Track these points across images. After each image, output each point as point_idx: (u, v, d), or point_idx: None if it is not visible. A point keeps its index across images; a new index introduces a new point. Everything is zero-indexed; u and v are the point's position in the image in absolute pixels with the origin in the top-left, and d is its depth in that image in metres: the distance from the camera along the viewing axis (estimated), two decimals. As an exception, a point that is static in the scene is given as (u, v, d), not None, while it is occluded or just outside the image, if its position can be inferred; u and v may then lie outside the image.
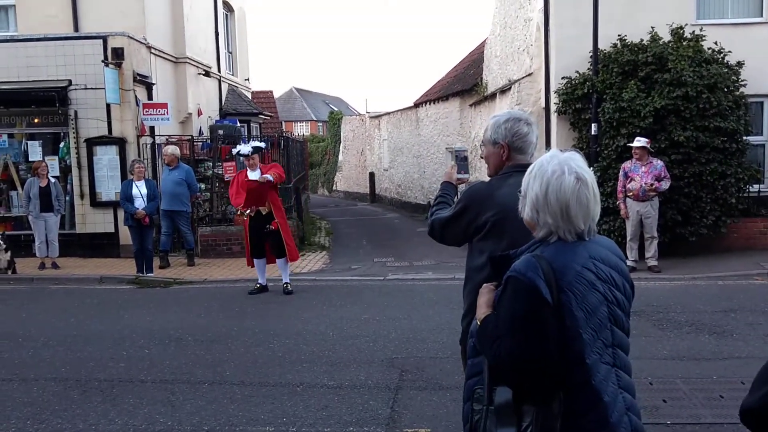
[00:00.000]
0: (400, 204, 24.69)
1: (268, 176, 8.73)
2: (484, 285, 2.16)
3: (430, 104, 21.34)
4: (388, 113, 26.67)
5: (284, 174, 9.76)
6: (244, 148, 9.19)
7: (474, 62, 19.84)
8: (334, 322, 7.52)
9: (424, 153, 22.04)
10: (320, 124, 55.60)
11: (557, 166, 2.02)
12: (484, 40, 18.61)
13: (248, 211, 8.90)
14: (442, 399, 5.16)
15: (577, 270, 1.95)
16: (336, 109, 44.84)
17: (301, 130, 53.52)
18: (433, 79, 25.06)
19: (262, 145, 9.65)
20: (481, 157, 3.14)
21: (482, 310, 2.07)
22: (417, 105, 22.82)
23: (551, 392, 1.90)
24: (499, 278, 2.10)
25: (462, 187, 3.36)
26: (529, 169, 2.10)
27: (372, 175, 28.60)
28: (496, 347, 1.93)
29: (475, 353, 2.13)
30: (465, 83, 18.93)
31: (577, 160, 2.05)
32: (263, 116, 20.80)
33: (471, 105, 17.44)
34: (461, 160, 3.31)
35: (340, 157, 33.91)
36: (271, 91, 27.63)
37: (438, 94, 20.95)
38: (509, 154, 2.95)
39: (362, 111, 45.34)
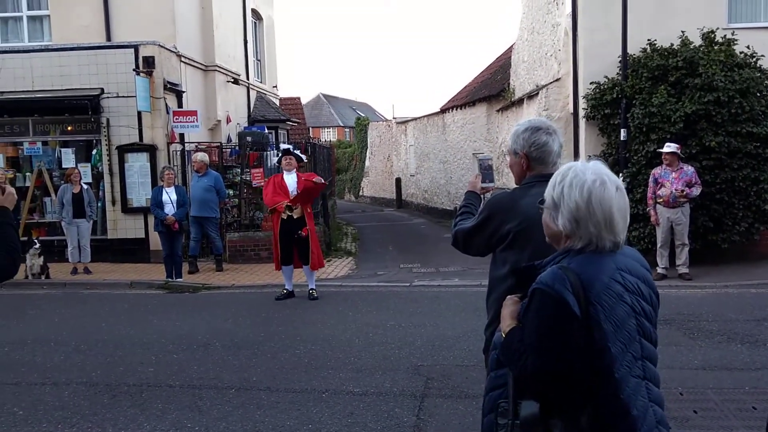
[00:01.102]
0: (426, 210, 24.66)
1: (321, 179, 9.16)
2: (509, 297, 2.14)
3: (456, 110, 21.30)
4: (415, 119, 26.67)
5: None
6: (285, 145, 9.39)
7: (501, 67, 19.75)
8: (360, 329, 7.53)
9: (451, 159, 21.99)
10: (347, 129, 55.78)
11: (595, 175, 1.99)
12: (512, 46, 18.53)
13: (295, 208, 8.92)
14: (468, 408, 5.13)
15: (605, 282, 1.92)
16: (363, 114, 45.02)
17: (329, 135, 53.79)
18: (460, 85, 25.06)
19: (303, 157, 9.89)
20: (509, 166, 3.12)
21: (507, 322, 2.05)
22: (443, 110, 22.80)
23: (579, 406, 1.88)
24: (523, 290, 2.08)
25: (487, 196, 3.35)
26: (557, 180, 2.07)
27: (398, 180, 28.62)
28: (523, 360, 1.91)
29: (498, 365, 2.11)
30: (492, 89, 18.87)
31: (608, 170, 2.03)
32: (291, 123, 20.96)
33: (498, 110, 17.37)
34: (486, 169, 3.30)
35: (367, 163, 34.00)
36: (299, 98, 27.84)
37: (465, 100, 20.90)
38: (529, 164, 2.93)
39: (389, 116, 45.40)
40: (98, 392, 5.68)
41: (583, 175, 2.00)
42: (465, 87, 23.32)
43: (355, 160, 36.14)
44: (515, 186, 3.06)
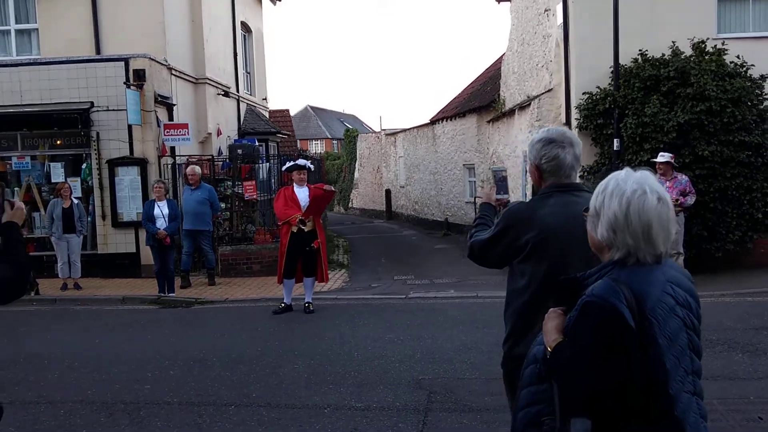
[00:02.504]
0: (416, 221, 24.66)
1: (332, 187, 9.26)
2: (552, 310, 2.08)
3: (446, 121, 21.37)
4: (404, 130, 26.73)
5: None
6: (302, 161, 9.33)
7: (491, 79, 19.85)
8: (358, 342, 7.45)
9: (441, 170, 22.03)
10: (335, 141, 55.84)
11: (636, 184, 1.94)
12: (501, 57, 18.64)
13: (308, 222, 8.84)
14: (472, 421, 5.07)
15: (658, 295, 1.88)
16: (351, 126, 45.03)
17: (317, 147, 53.80)
18: (449, 97, 25.12)
19: (312, 167, 9.91)
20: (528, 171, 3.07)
21: (552, 336, 1.99)
22: (433, 122, 22.86)
23: (632, 422, 1.83)
24: (564, 303, 2.03)
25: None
26: (600, 188, 2.03)
27: (388, 192, 28.63)
28: (575, 376, 1.85)
29: (538, 380, 2.05)
30: (482, 100, 18.95)
31: (653, 180, 1.98)
32: (281, 135, 20.90)
33: (489, 121, 17.43)
34: (500, 181, 3.27)
35: (356, 175, 33.99)
36: (288, 110, 27.79)
37: (455, 111, 20.97)
38: (541, 175, 2.90)
39: (377, 128, 45.49)
40: (95, 410, 5.56)
41: (624, 184, 1.95)
42: (454, 98, 23.40)
43: (344, 172, 36.13)
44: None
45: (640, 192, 1.93)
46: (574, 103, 11.34)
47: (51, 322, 9.33)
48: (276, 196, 9.67)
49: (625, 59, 10.86)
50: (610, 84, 10.94)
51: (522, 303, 2.88)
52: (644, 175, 1.98)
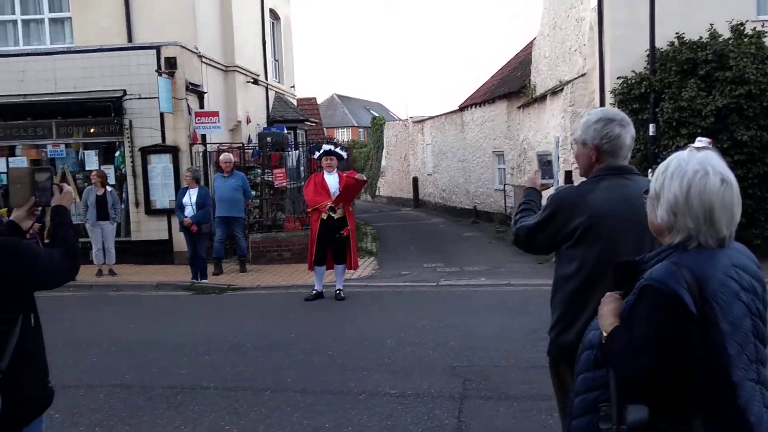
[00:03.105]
0: (444, 209, 24.54)
1: (363, 176, 9.09)
2: (608, 294, 2.03)
3: (475, 107, 21.17)
4: (432, 117, 26.55)
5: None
6: (327, 146, 9.31)
7: (521, 64, 19.59)
8: (391, 329, 7.44)
9: (470, 157, 21.87)
10: (361, 130, 55.72)
11: (698, 165, 1.87)
12: (532, 41, 18.37)
13: (337, 209, 8.83)
14: (509, 409, 5.02)
15: (721, 279, 1.80)
16: (377, 114, 44.90)
17: (343, 136, 53.76)
18: (477, 83, 24.90)
19: (344, 154, 9.74)
20: (575, 155, 2.99)
21: (609, 321, 1.93)
22: (462, 108, 22.67)
23: (693, 411, 1.77)
24: (621, 286, 1.97)
25: (549, 192, 3.24)
26: (660, 169, 1.97)
27: (415, 180, 28.52)
28: (633, 362, 1.79)
29: (594, 366, 1.99)
30: (512, 85, 18.72)
31: (718, 160, 1.90)
32: (309, 123, 20.91)
33: (519, 107, 17.23)
34: (545, 165, 3.19)
35: (383, 163, 33.91)
36: (315, 98, 27.79)
37: (484, 97, 20.77)
38: (599, 157, 2.82)
39: (403, 116, 45.32)
40: (133, 394, 5.63)
41: (686, 165, 1.88)
42: (483, 84, 23.17)
43: (371, 160, 36.06)
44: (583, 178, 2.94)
45: (702, 173, 1.86)
46: (608, 87, 11.15)
47: (88, 307, 9.48)
48: (306, 182, 9.68)
49: (661, 42, 10.63)
50: (645, 68, 10.73)
51: (571, 289, 2.82)
52: (708, 156, 1.91)
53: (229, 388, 5.70)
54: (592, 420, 1.94)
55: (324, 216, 8.83)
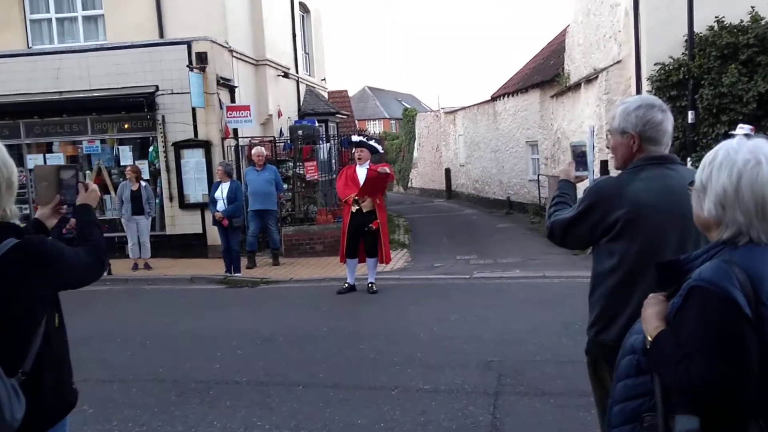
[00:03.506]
0: (477, 200, 24.34)
1: (387, 169, 8.85)
2: (652, 295, 1.91)
3: (508, 97, 20.90)
4: (464, 108, 26.31)
5: (393, 174, 9.79)
6: (355, 137, 9.23)
7: (554, 52, 19.26)
8: (423, 323, 7.35)
9: (503, 147, 21.61)
10: (393, 122, 55.57)
11: (749, 154, 1.74)
12: (565, 29, 18.03)
13: (362, 201, 8.78)
14: (545, 406, 4.90)
15: None
16: (409, 106, 44.70)
17: (375, 128, 53.64)
18: (507, 73, 24.54)
19: (379, 147, 9.59)
20: (608, 147, 2.86)
21: (653, 324, 1.81)
22: (494, 98, 22.41)
23: (746, 421, 1.65)
24: (666, 287, 1.85)
25: (584, 185, 3.12)
26: (707, 159, 1.84)
27: (448, 171, 28.33)
28: (682, 369, 1.67)
29: (636, 372, 1.87)
30: (545, 74, 18.42)
31: None
32: (340, 115, 20.88)
33: (552, 96, 16.94)
34: (579, 156, 3.06)
35: (415, 154, 33.78)
36: (346, 91, 27.75)
37: (516, 87, 20.48)
38: (640, 145, 2.68)
39: (434, 107, 45.02)
40: (166, 389, 5.66)
41: (736, 154, 1.75)
42: (516, 74, 22.86)
43: (402, 152, 35.96)
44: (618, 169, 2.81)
45: (753, 162, 1.73)
46: (645, 74, 10.84)
47: (123, 301, 9.59)
48: (338, 175, 9.66)
49: (699, 27, 10.30)
50: (683, 54, 10.41)
51: (610, 285, 2.70)
52: (759, 144, 1.77)
53: (261, 382, 5.69)
54: (634, 430, 1.83)
55: (353, 209, 8.81)
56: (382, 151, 10.03)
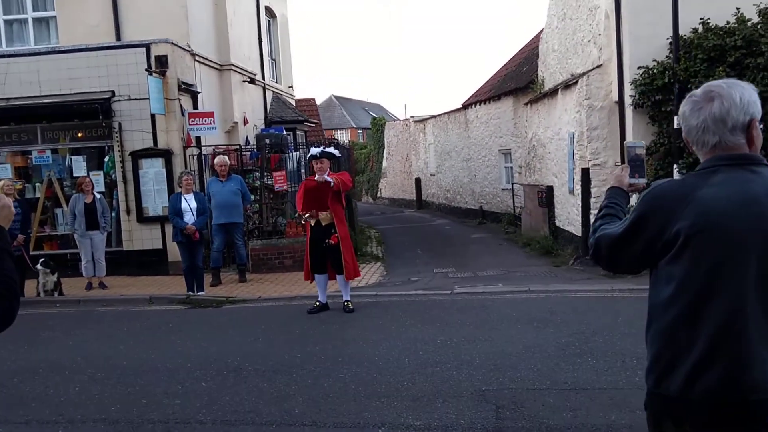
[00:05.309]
0: (448, 210, 23.86)
1: (328, 178, 8.03)
2: None
3: (480, 105, 20.48)
4: (434, 116, 25.85)
5: (350, 182, 9.05)
6: (315, 150, 8.53)
7: (526, 59, 18.92)
8: (407, 346, 6.72)
9: (475, 156, 21.18)
10: (360, 131, 55.10)
11: None
12: (537, 35, 17.70)
13: (306, 215, 8.19)
14: (554, 444, 4.33)
15: None
16: (376, 115, 44.21)
17: (341, 137, 53.03)
18: (479, 82, 24.21)
19: (336, 152, 8.92)
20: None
21: None
22: (465, 106, 21.98)
23: None
24: None
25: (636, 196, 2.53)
26: None
27: (418, 180, 27.82)
28: None
29: None
30: (518, 81, 18.05)
31: None
32: (308, 123, 20.22)
33: (526, 104, 16.55)
34: (635, 160, 2.47)
35: (384, 164, 33.23)
36: (314, 99, 27.13)
37: (489, 94, 20.08)
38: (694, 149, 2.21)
39: (401, 117, 44.64)
40: (119, 431, 4.93)
41: None
42: (487, 81, 22.49)
43: (371, 161, 35.39)
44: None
45: None
46: (628, 78, 10.44)
47: (74, 325, 8.76)
48: (299, 186, 9.04)
49: (684, 29, 9.94)
50: (668, 56, 10.05)
51: (670, 320, 2.12)
52: None
53: (228, 421, 5.00)
54: None
55: (312, 222, 8.27)
56: (339, 156, 9.42)
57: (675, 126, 9.75)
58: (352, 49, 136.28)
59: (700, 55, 9.67)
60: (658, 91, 9.98)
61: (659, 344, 2.16)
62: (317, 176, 8.11)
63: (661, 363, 2.15)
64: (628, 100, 10.50)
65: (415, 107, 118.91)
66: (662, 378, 2.14)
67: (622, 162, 2.54)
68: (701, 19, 9.99)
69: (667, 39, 10.04)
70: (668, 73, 9.83)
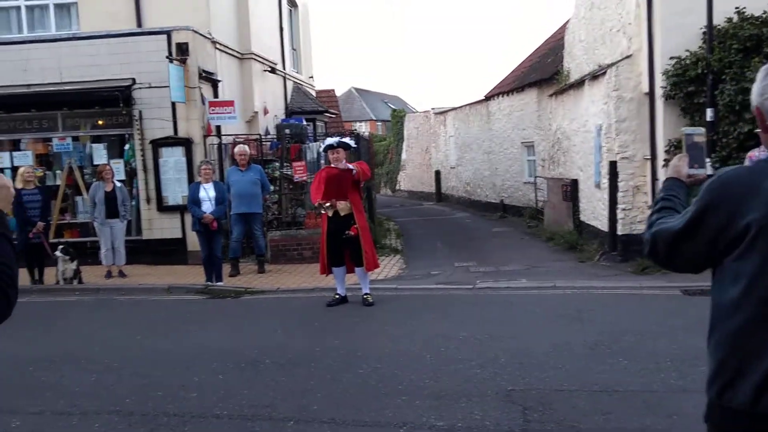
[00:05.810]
0: (468, 203, 23.60)
1: (350, 165, 7.88)
2: None
3: (502, 96, 20.17)
4: (455, 108, 25.55)
5: (369, 171, 8.85)
6: (330, 140, 8.34)
7: (551, 50, 18.56)
8: (428, 342, 6.54)
9: (496, 149, 20.88)
10: (379, 123, 54.86)
11: None
12: (563, 26, 17.35)
13: (327, 204, 7.96)
14: (585, 449, 4.12)
15: None
16: (395, 107, 43.95)
17: (361, 129, 52.82)
18: (500, 73, 23.88)
19: (352, 142, 8.72)
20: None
21: None
22: (488, 98, 21.67)
23: None
24: None
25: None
26: None
27: (438, 173, 27.58)
28: None
29: None
30: (543, 72, 17.70)
31: None
32: (328, 114, 20.05)
33: (551, 95, 16.23)
34: (694, 149, 2.25)
35: (404, 156, 33.00)
36: (333, 90, 26.94)
37: (512, 86, 19.75)
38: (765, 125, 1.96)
39: (420, 109, 44.32)
40: (133, 424, 4.80)
41: None
42: (511, 73, 22.14)
43: (390, 154, 35.18)
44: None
45: None
46: (659, 69, 10.12)
47: (93, 314, 8.70)
48: (315, 176, 8.85)
49: (718, 19, 9.61)
50: (701, 47, 9.72)
51: (737, 323, 1.90)
52: None
53: (245, 416, 4.85)
54: None
55: (329, 213, 8.03)
56: (354, 146, 9.20)
57: (708, 119, 9.45)
58: (373, 40, 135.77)
59: (735, 45, 9.33)
60: (691, 83, 9.66)
61: (724, 350, 1.95)
62: (339, 164, 7.94)
63: (726, 371, 1.93)
64: (658, 92, 10.18)
65: (436, 100, 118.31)
66: (727, 388, 1.93)
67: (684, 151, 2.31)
68: (737, 8, 9.64)
69: (701, 28, 9.71)
70: (701, 63, 9.51)
